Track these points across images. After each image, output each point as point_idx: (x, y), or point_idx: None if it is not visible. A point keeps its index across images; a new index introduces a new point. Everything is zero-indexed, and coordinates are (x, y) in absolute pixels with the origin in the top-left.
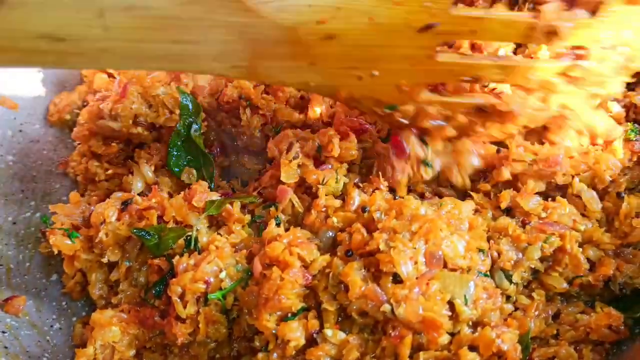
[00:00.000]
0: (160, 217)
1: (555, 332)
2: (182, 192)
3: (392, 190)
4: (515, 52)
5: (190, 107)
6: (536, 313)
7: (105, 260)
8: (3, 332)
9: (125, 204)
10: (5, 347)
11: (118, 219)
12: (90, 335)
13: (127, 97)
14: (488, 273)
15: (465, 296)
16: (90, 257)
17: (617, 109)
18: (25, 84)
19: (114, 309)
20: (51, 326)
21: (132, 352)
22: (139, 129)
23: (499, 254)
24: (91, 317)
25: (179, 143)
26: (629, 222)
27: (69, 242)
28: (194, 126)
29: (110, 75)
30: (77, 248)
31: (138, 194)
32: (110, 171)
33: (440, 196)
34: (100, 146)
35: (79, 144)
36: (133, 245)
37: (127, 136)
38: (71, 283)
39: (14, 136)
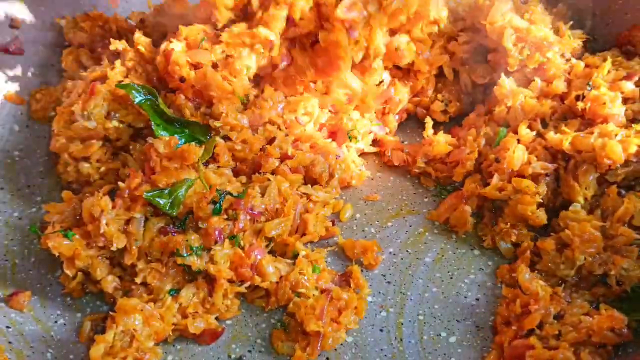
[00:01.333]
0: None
1: (557, 332)
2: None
3: None
4: None
5: (142, 94)
6: None
7: (114, 248)
8: (7, 327)
9: (113, 193)
10: (10, 342)
11: (113, 207)
12: (110, 321)
13: (96, 94)
14: None
15: None
16: (92, 253)
17: (630, 86)
18: (33, 79)
19: (140, 298)
20: (55, 322)
21: (151, 344)
22: (114, 123)
23: None
24: (117, 303)
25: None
26: (618, 225)
27: (67, 242)
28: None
29: None
30: (76, 247)
31: None
32: (103, 168)
33: None
34: (81, 149)
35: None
36: (137, 225)
37: (105, 132)
38: (73, 284)
39: (20, 131)
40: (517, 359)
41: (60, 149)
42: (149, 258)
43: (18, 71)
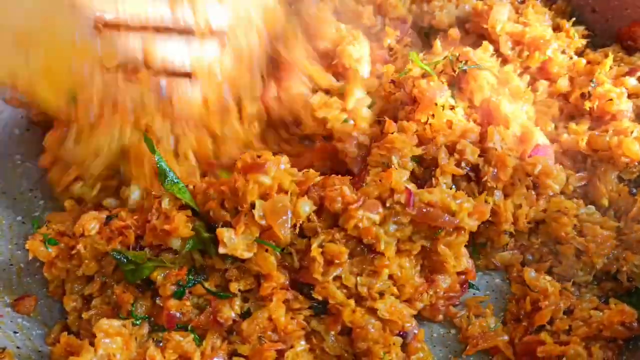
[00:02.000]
0: (140, 237)
1: (567, 327)
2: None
3: None
4: None
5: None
6: None
7: (80, 273)
8: (15, 332)
9: (109, 218)
10: (18, 347)
11: (99, 232)
12: (88, 344)
13: None
14: None
15: None
16: (68, 267)
17: (633, 82)
18: None
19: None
20: None
21: None
22: None
23: None
24: (97, 324)
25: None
26: (633, 224)
27: (43, 248)
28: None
29: None
30: (53, 256)
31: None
32: (98, 185)
33: None
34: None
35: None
36: (110, 262)
37: None
38: (52, 287)
39: (21, 135)
40: (528, 354)
41: (49, 166)
42: (107, 300)
43: None
